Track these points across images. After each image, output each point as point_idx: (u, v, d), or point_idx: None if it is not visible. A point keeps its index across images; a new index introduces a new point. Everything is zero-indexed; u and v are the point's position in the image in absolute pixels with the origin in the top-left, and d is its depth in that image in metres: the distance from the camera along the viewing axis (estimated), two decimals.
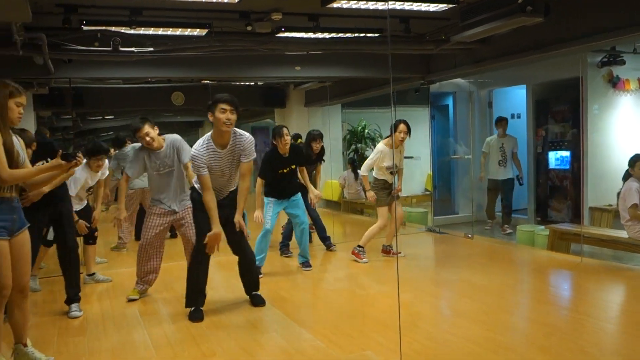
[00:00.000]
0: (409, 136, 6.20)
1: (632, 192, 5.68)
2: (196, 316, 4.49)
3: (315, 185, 6.89)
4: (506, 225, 8.60)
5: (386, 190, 6.26)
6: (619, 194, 7.41)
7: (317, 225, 7.07)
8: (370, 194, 6.24)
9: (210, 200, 4.33)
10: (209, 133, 4.39)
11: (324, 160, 7.60)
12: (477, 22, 5.60)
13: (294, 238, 6.43)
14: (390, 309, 4.66)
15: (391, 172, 6.21)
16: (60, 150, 3.48)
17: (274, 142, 5.84)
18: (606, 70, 8.00)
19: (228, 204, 4.53)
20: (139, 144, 4.98)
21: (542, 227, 7.42)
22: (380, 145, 6.26)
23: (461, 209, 10.00)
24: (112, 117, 13.27)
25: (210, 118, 4.27)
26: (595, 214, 7.67)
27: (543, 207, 8.85)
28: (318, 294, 5.29)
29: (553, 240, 6.73)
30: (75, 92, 8.95)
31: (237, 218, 4.49)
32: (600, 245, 6.40)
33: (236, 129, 4.40)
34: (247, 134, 4.45)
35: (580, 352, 3.62)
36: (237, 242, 4.69)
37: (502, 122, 8.73)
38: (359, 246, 6.35)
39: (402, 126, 6.08)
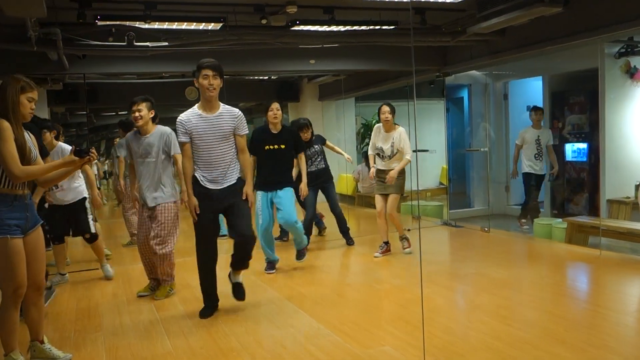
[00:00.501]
0: (393, 116, 6.08)
1: None
2: (202, 313, 4.51)
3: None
4: (523, 220, 8.46)
5: (377, 177, 6.18)
6: (637, 185, 7.34)
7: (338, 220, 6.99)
8: (372, 171, 6.21)
9: (188, 167, 4.31)
10: (194, 105, 4.38)
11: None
12: (495, 13, 5.53)
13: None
14: (407, 304, 4.64)
15: (379, 155, 6.14)
16: (74, 146, 3.45)
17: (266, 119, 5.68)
18: (623, 60, 7.86)
19: (229, 194, 4.36)
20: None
21: (560, 220, 7.34)
22: (377, 125, 6.27)
23: (477, 203, 9.93)
24: (125, 112, 13.33)
25: (196, 84, 4.27)
26: (613, 207, 7.56)
27: (560, 200, 8.75)
28: (335, 288, 5.25)
29: (571, 233, 6.65)
30: (89, 88, 8.98)
31: (247, 189, 4.38)
32: (618, 237, 6.31)
33: (225, 105, 4.37)
34: (237, 110, 4.38)
35: (603, 346, 3.56)
36: (237, 225, 4.42)
37: (537, 112, 8.08)
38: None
39: (383, 107, 6.08)
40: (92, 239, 5.71)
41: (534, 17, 5.54)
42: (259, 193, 5.68)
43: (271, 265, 5.83)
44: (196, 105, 4.35)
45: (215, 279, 4.56)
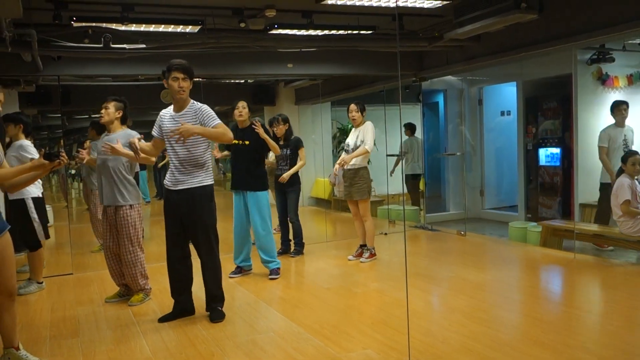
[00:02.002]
0: (362, 114, 6.09)
1: (624, 189, 5.71)
2: (163, 317, 4.49)
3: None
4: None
5: (344, 184, 6.19)
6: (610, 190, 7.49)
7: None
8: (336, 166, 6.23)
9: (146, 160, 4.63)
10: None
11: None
12: (472, 19, 5.60)
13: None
14: (386, 307, 4.66)
15: (346, 151, 6.15)
16: (43, 150, 3.37)
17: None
18: (595, 67, 8.04)
19: (184, 202, 4.28)
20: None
21: (534, 223, 7.45)
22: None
23: (452, 206, 10.02)
24: (99, 115, 13.12)
25: (165, 85, 4.25)
26: (586, 211, 7.71)
27: (533, 203, 8.89)
28: (313, 292, 5.25)
29: (546, 236, 6.76)
30: (63, 90, 8.81)
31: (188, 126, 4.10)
32: (592, 241, 6.43)
33: (195, 102, 4.31)
34: (205, 105, 4.29)
35: (580, 348, 3.62)
36: (197, 244, 4.43)
37: (621, 107, 6.99)
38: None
39: (351, 106, 6.14)
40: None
41: (509, 23, 5.62)
42: (233, 193, 5.69)
43: (237, 269, 5.81)
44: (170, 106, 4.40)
45: (184, 285, 4.51)
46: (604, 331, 4.04)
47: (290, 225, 6.77)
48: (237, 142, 5.50)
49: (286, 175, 6.34)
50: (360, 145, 5.98)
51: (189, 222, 4.33)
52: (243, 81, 10.06)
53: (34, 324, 4.52)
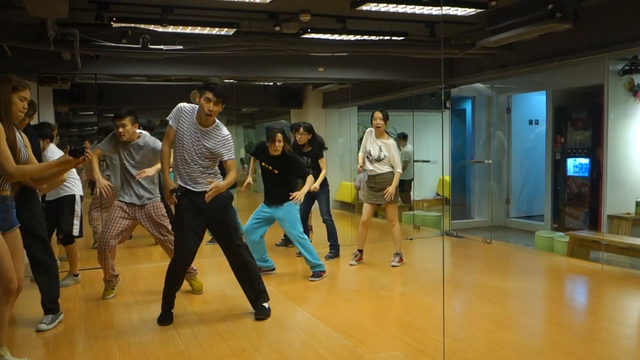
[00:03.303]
0: (386, 123, 6.15)
1: None
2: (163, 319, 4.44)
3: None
4: None
5: (368, 185, 6.22)
6: (638, 202, 7.45)
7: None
8: (359, 166, 6.27)
9: (166, 152, 4.23)
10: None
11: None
12: (505, 27, 5.62)
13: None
14: (414, 311, 4.69)
15: (367, 158, 6.19)
16: (68, 146, 3.47)
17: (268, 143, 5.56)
18: (627, 78, 7.98)
19: (204, 199, 4.16)
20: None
21: (561, 233, 7.42)
22: (369, 129, 6.31)
23: (476, 214, 10.01)
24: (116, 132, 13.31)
25: (196, 100, 4.10)
26: (614, 222, 7.65)
27: (560, 213, 8.84)
28: (340, 294, 5.30)
29: (573, 246, 6.72)
30: (94, 89, 8.99)
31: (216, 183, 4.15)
32: (619, 252, 6.39)
33: (220, 123, 4.23)
34: (226, 131, 4.24)
35: (609, 358, 3.63)
36: (224, 243, 4.44)
37: None
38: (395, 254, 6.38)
39: (376, 113, 6.14)
40: (66, 240, 5.54)
41: (543, 32, 5.63)
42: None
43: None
44: (196, 108, 4.17)
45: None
46: (634, 344, 4.03)
47: (325, 226, 6.77)
48: (267, 166, 5.59)
49: (299, 194, 5.58)
50: (384, 159, 6.11)
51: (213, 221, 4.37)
52: (272, 84, 10.17)
53: (70, 316, 4.64)
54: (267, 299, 4.58)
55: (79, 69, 6.31)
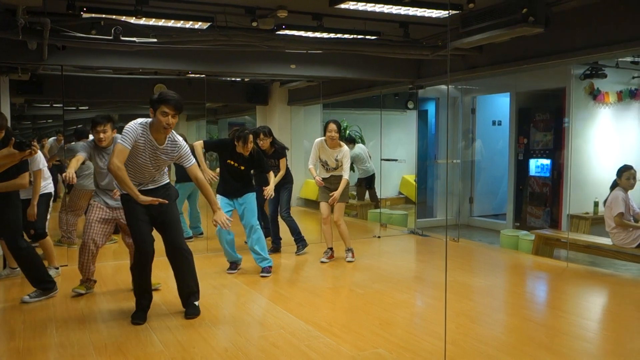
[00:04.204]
0: (340, 134, 6.30)
1: (618, 201, 5.89)
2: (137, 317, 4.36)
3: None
4: None
5: (323, 187, 6.37)
6: (596, 202, 7.72)
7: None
8: (318, 179, 6.33)
9: (122, 167, 3.98)
10: (149, 120, 4.08)
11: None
12: (479, 30, 5.72)
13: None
14: (391, 308, 4.73)
15: (323, 166, 6.38)
16: (13, 139, 3.33)
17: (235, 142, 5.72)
18: (588, 82, 8.26)
19: (159, 193, 4.26)
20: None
21: (526, 232, 7.62)
22: (320, 139, 6.39)
23: (439, 213, 10.18)
24: (86, 107, 12.98)
25: (151, 115, 4.03)
26: (574, 221, 7.91)
27: (522, 213, 9.08)
28: (317, 292, 5.29)
29: (538, 245, 6.92)
30: (54, 81, 8.71)
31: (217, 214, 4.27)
32: (584, 251, 6.61)
33: (173, 131, 4.18)
34: (181, 140, 4.24)
35: (584, 353, 3.75)
36: (170, 237, 4.38)
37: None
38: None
39: (331, 125, 6.24)
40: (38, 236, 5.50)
41: (515, 36, 5.74)
42: (219, 196, 5.83)
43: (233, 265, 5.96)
44: (147, 123, 4.06)
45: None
46: (605, 337, 4.18)
47: (284, 223, 6.83)
48: (233, 163, 5.76)
49: (269, 189, 5.97)
50: (338, 167, 6.30)
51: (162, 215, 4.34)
52: (239, 79, 10.07)
53: (38, 314, 4.48)
54: (198, 299, 4.55)
55: (44, 60, 6.09)
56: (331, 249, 6.50)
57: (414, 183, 9.91)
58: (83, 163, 5.09)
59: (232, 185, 5.81)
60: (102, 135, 4.83)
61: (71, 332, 4.11)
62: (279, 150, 6.69)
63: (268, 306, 4.78)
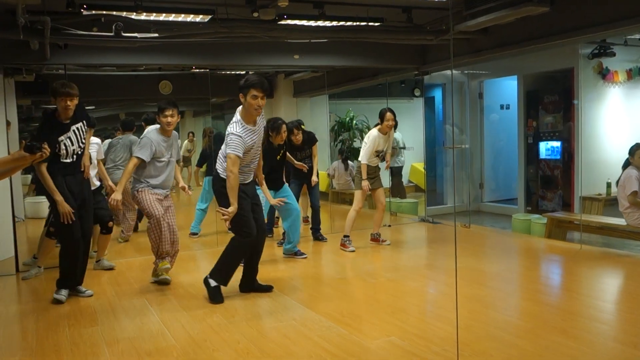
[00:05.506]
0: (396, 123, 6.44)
1: (632, 180, 5.80)
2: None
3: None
4: None
5: (370, 176, 6.38)
6: (608, 183, 7.62)
7: None
8: (365, 184, 6.26)
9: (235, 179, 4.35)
10: (238, 115, 4.39)
11: None
12: (483, 11, 5.63)
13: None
14: (403, 296, 4.69)
15: (378, 156, 6.48)
16: (24, 141, 3.31)
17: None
18: (596, 62, 8.15)
19: (254, 184, 4.78)
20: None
21: (537, 215, 7.54)
22: (375, 131, 6.36)
23: (449, 200, 10.10)
24: (92, 107, 12.99)
25: (242, 99, 4.33)
26: (586, 203, 7.82)
27: (533, 196, 8.99)
28: (328, 282, 5.26)
29: (551, 228, 6.84)
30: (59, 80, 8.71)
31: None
32: (597, 233, 6.53)
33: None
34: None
35: (601, 335, 3.69)
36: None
37: None
38: (344, 236, 6.44)
39: (388, 114, 6.31)
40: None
41: (520, 16, 5.66)
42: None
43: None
44: (240, 119, 4.38)
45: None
46: (621, 319, 4.11)
47: (314, 212, 7.11)
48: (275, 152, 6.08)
49: (315, 177, 6.76)
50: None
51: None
52: (244, 72, 10.01)
53: (50, 312, 4.49)
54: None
55: (47, 59, 6.07)
56: (377, 234, 6.68)
57: (423, 171, 9.84)
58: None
59: (270, 176, 5.93)
60: (169, 119, 4.97)
61: (83, 328, 4.11)
62: (311, 138, 6.85)
63: (278, 297, 4.75)
